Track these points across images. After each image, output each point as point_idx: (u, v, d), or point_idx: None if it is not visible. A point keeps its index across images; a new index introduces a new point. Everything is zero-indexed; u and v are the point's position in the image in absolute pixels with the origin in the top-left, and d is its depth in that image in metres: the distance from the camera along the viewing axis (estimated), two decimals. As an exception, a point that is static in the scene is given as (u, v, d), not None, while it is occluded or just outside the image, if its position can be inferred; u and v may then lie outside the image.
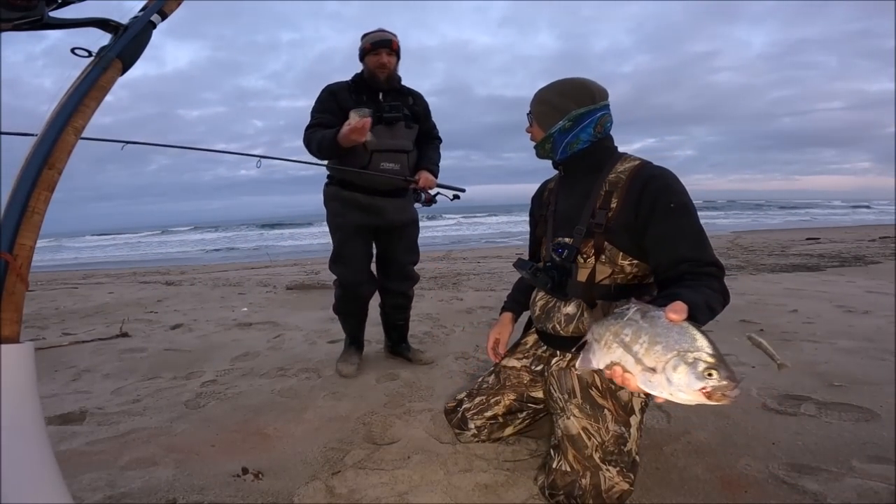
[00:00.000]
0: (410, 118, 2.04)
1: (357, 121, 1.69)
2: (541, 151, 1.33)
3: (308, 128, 1.94)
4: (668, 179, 1.15)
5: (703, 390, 0.71)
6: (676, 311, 0.75)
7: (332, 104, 1.93)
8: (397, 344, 2.32)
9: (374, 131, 1.82)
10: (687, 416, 1.57)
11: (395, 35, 1.98)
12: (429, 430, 1.54)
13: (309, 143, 1.91)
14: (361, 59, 1.99)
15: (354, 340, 2.22)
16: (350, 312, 2.15)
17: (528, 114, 1.34)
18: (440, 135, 2.23)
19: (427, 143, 2.17)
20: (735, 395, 0.70)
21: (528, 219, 1.55)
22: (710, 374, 0.70)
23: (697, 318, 0.83)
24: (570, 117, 1.23)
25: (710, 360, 0.71)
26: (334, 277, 2.10)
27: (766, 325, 2.65)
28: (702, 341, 0.73)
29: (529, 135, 1.35)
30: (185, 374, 2.19)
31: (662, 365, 0.74)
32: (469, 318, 3.07)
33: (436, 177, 2.11)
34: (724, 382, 0.70)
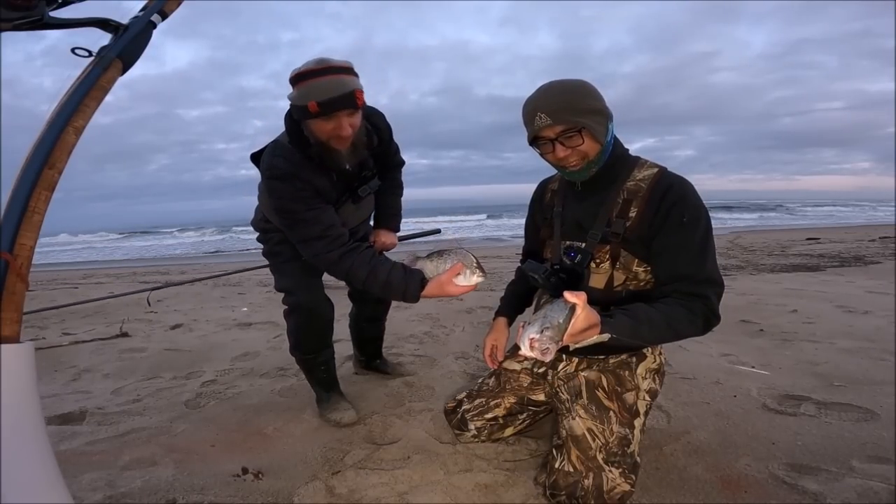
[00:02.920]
0: (375, 167, 1.58)
1: (471, 287, 1.29)
2: (592, 167, 1.14)
3: (317, 238, 1.33)
4: (686, 191, 1.11)
5: (531, 340, 0.93)
6: (572, 295, 0.93)
7: (314, 194, 1.36)
8: (372, 359, 2.08)
9: (340, 213, 1.47)
10: (687, 416, 1.58)
11: (351, 70, 1.26)
12: (429, 430, 1.54)
13: (347, 274, 1.34)
14: (300, 118, 1.29)
15: (331, 387, 1.71)
16: (318, 345, 1.64)
17: (567, 130, 1.09)
18: (402, 157, 1.75)
19: (385, 180, 1.67)
20: (546, 354, 0.91)
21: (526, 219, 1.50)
22: (542, 332, 0.92)
23: (618, 326, 1.00)
24: (611, 119, 1.13)
25: (553, 324, 0.92)
26: (284, 307, 1.61)
27: (766, 325, 2.65)
28: (563, 317, 0.92)
29: (568, 154, 1.11)
30: (185, 374, 2.19)
31: (533, 319, 0.97)
32: (469, 318, 3.07)
33: (397, 230, 1.76)
34: (544, 339, 0.91)
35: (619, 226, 1.14)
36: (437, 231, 1.53)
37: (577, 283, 1.20)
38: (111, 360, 2.41)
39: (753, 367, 2.01)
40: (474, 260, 1.29)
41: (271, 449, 1.48)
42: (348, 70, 1.26)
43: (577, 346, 1.04)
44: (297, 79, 1.25)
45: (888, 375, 1.83)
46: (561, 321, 0.92)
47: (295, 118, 1.32)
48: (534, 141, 1.15)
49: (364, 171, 1.52)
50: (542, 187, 1.43)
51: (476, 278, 1.28)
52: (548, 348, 0.91)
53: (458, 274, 1.27)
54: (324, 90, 1.21)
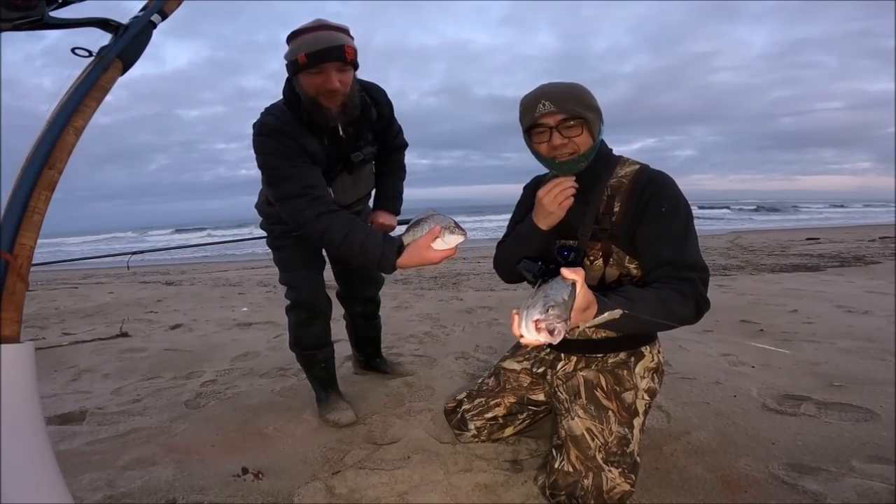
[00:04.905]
0: (375, 142, 1.56)
1: (452, 249, 1.22)
2: (581, 162, 1.17)
3: (297, 196, 1.30)
4: (664, 183, 1.15)
5: (536, 321, 0.81)
6: (571, 271, 0.87)
7: (300, 152, 1.35)
8: (371, 358, 2.07)
9: (334, 185, 1.47)
10: (687, 416, 1.57)
11: (346, 31, 1.28)
12: (429, 430, 1.54)
13: (322, 235, 1.30)
14: (293, 74, 1.31)
15: (329, 386, 1.71)
16: (317, 342, 1.65)
17: (569, 119, 1.13)
18: (405, 139, 1.72)
19: (387, 162, 1.67)
20: (555, 334, 0.79)
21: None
22: (547, 311, 0.81)
23: (607, 302, 0.95)
24: (603, 122, 1.19)
25: (558, 301, 0.82)
26: (287, 301, 1.63)
27: (766, 325, 2.65)
28: (566, 294, 0.84)
29: (563, 143, 1.14)
30: (185, 374, 2.19)
31: (532, 302, 0.86)
32: (469, 318, 3.07)
33: (397, 212, 1.70)
34: (551, 317, 0.80)
35: (605, 222, 1.18)
36: None
37: None
38: (111, 360, 2.41)
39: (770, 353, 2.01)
40: (451, 221, 1.22)
41: (271, 449, 1.48)
42: (342, 29, 1.28)
43: (589, 324, 0.98)
44: (292, 36, 1.28)
45: (888, 375, 1.83)
46: (566, 297, 0.83)
47: (289, 76, 1.34)
48: (529, 129, 1.18)
49: (360, 141, 1.48)
50: (538, 184, 1.40)
51: (455, 238, 1.21)
52: (556, 327, 0.80)
53: (437, 238, 1.20)
54: (313, 43, 1.23)
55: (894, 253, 5.99)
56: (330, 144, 1.42)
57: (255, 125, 1.39)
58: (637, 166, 1.21)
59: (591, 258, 1.20)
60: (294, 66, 1.28)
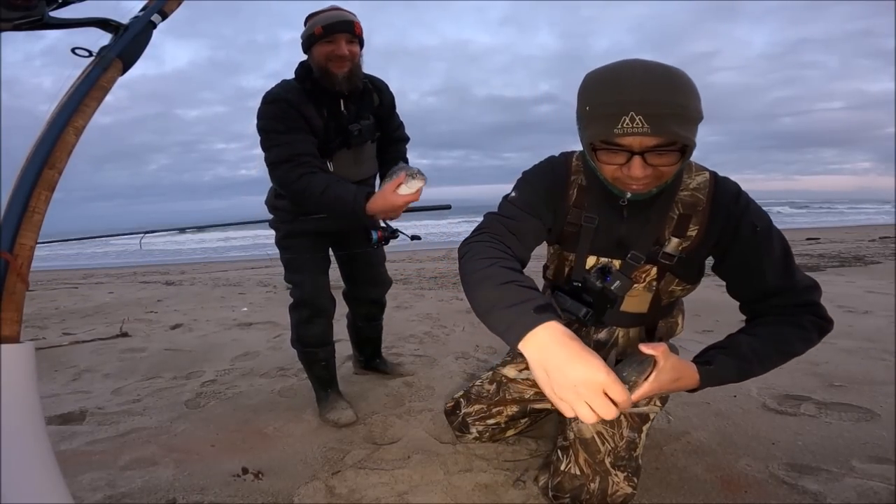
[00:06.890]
0: (376, 127, 1.62)
1: (414, 193, 1.34)
2: (656, 191, 0.96)
3: (285, 161, 1.40)
4: (748, 198, 1.00)
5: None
6: (649, 347, 0.80)
7: (297, 118, 1.43)
8: (371, 359, 2.08)
9: (334, 160, 1.54)
10: (687, 416, 1.58)
11: (354, 15, 1.46)
12: (429, 430, 1.54)
13: (304, 191, 1.39)
14: (307, 49, 1.47)
15: (329, 385, 1.73)
16: (319, 341, 1.67)
17: (667, 144, 0.81)
18: (406, 133, 1.79)
19: (389, 153, 1.73)
20: (607, 413, 0.74)
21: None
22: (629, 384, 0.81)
23: (722, 372, 0.89)
24: None
25: (624, 377, 0.81)
26: (291, 299, 1.67)
27: (766, 325, 2.65)
28: (636, 374, 0.82)
29: (647, 173, 0.84)
30: (185, 374, 2.19)
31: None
32: (469, 318, 3.07)
33: None
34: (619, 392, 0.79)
35: (674, 245, 1.01)
36: (448, 207, 1.74)
37: (607, 307, 1.08)
38: (111, 360, 2.41)
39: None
40: (416, 170, 1.37)
41: (271, 449, 1.48)
42: (352, 14, 1.47)
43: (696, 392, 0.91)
44: (309, 17, 1.47)
45: (888, 375, 1.84)
46: (625, 374, 0.81)
47: (304, 51, 1.49)
48: (599, 142, 0.85)
49: (360, 119, 1.57)
50: (563, 177, 1.07)
51: (416, 183, 1.35)
52: (617, 401, 0.76)
53: (401, 184, 1.36)
54: (328, 18, 1.42)
55: (894, 253, 5.99)
56: (329, 117, 1.51)
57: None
58: (706, 175, 1.01)
59: (639, 280, 1.07)
60: (311, 38, 1.44)
